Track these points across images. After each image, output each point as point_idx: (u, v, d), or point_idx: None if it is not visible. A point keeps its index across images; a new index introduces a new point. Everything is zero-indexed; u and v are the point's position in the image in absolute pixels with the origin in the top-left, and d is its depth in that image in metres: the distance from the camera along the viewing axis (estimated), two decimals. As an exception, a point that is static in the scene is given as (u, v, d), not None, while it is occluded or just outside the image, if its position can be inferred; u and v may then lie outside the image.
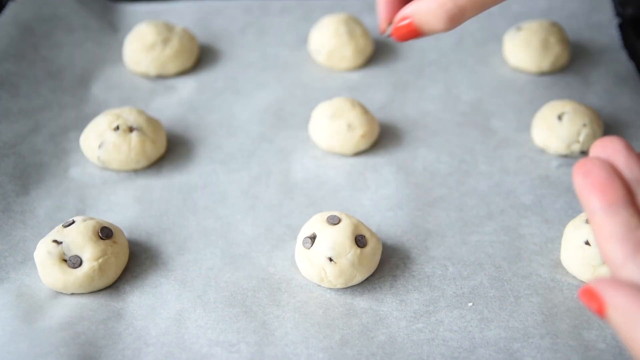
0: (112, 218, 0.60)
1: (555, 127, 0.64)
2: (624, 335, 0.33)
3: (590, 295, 0.34)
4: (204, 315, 0.52)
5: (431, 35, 0.52)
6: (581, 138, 0.64)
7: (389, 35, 0.55)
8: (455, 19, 0.50)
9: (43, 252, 0.53)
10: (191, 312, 0.52)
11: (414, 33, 0.52)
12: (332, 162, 0.65)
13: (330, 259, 0.52)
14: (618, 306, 0.33)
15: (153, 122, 0.65)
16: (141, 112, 0.65)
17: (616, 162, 0.37)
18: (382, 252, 0.56)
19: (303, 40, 0.81)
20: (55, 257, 0.52)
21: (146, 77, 0.76)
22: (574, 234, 0.54)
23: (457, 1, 0.49)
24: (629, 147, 0.37)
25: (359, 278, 0.53)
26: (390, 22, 0.56)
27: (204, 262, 0.56)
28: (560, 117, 0.64)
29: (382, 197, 0.62)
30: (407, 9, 0.52)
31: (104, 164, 0.63)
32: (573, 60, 0.77)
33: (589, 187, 0.36)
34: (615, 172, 0.36)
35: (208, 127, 0.70)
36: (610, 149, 0.37)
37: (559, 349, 0.49)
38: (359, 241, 0.53)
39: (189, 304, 0.53)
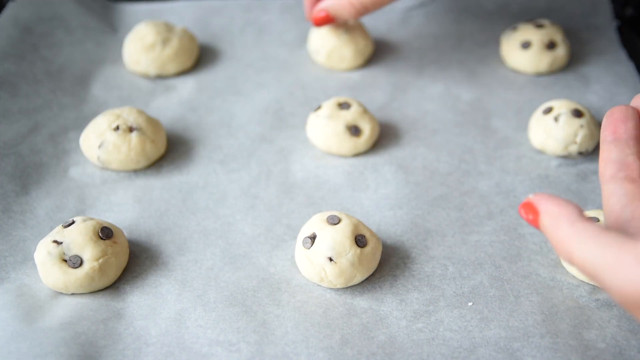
0: (112, 218, 0.60)
1: (551, 129, 0.64)
2: (551, 236, 0.40)
3: (528, 207, 0.42)
4: (204, 315, 0.52)
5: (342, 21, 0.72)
6: (578, 139, 0.64)
7: (311, 21, 0.74)
8: (360, 12, 0.70)
9: (43, 253, 0.53)
10: (191, 311, 0.52)
11: (329, 20, 0.72)
12: (331, 162, 0.65)
13: (330, 259, 0.52)
14: (548, 212, 0.40)
15: (153, 122, 0.65)
16: (141, 112, 0.65)
17: None
18: (382, 252, 0.56)
19: (303, 40, 0.81)
20: (56, 257, 0.52)
21: (146, 77, 0.76)
22: (574, 234, 0.54)
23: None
24: None
25: (359, 278, 0.53)
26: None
27: (204, 262, 0.56)
28: (556, 119, 0.64)
29: (382, 196, 0.62)
30: (323, 4, 0.72)
31: (103, 164, 0.63)
32: (573, 60, 0.77)
33: (607, 123, 0.46)
34: (634, 116, 0.46)
35: (208, 127, 0.70)
36: None
37: (559, 348, 0.49)
38: (359, 241, 0.53)
39: (189, 303, 0.53)
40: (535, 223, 0.41)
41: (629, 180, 0.43)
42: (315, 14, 0.72)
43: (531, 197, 0.42)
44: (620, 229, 0.41)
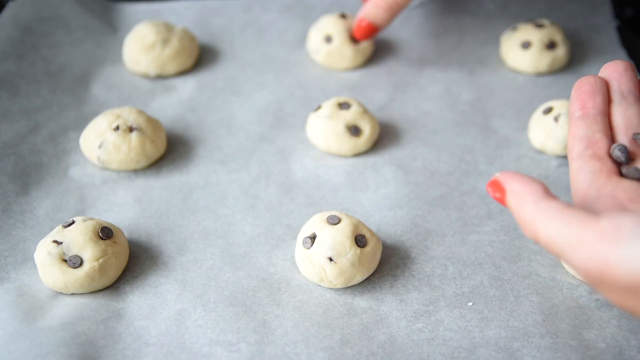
0: (112, 218, 0.60)
1: (551, 129, 0.64)
2: (516, 214, 0.40)
3: (495, 185, 0.41)
4: (204, 315, 0.52)
5: (383, 29, 0.72)
6: (580, 138, 0.64)
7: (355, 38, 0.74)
8: (394, 11, 0.70)
9: (43, 253, 0.53)
10: (191, 311, 0.52)
11: (371, 29, 0.72)
12: (331, 162, 0.65)
13: (330, 259, 0.52)
14: (513, 190, 0.40)
15: (153, 122, 0.65)
16: (141, 112, 0.65)
17: (611, 78, 0.46)
18: (382, 251, 0.56)
19: (303, 40, 0.81)
20: (56, 257, 0.52)
21: (146, 77, 0.76)
22: (574, 234, 0.54)
23: None
24: (630, 67, 0.47)
25: (359, 278, 0.53)
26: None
27: (204, 262, 0.56)
28: (556, 119, 0.64)
29: (382, 196, 0.62)
30: (361, 13, 0.71)
31: (103, 164, 0.63)
32: (573, 60, 0.77)
33: (576, 97, 0.46)
34: (602, 88, 0.46)
35: (208, 127, 0.70)
36: (611, 68, 0.47)
37: (559, 348, 0.49)
38: (359, 241, 0.53)
39: (189, 303, 0.53)
40: (502, 201, 0.41)
41: (596, 158, 0.43)
42: (357, 24, 0.72)
43: (498, 175, 0.41)
44: (587, 207, 0.41)
